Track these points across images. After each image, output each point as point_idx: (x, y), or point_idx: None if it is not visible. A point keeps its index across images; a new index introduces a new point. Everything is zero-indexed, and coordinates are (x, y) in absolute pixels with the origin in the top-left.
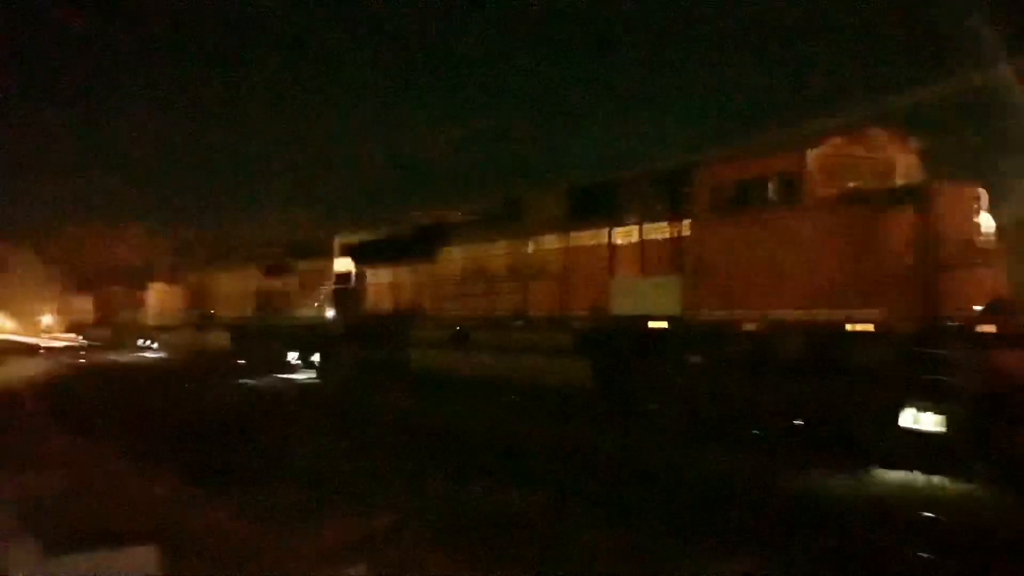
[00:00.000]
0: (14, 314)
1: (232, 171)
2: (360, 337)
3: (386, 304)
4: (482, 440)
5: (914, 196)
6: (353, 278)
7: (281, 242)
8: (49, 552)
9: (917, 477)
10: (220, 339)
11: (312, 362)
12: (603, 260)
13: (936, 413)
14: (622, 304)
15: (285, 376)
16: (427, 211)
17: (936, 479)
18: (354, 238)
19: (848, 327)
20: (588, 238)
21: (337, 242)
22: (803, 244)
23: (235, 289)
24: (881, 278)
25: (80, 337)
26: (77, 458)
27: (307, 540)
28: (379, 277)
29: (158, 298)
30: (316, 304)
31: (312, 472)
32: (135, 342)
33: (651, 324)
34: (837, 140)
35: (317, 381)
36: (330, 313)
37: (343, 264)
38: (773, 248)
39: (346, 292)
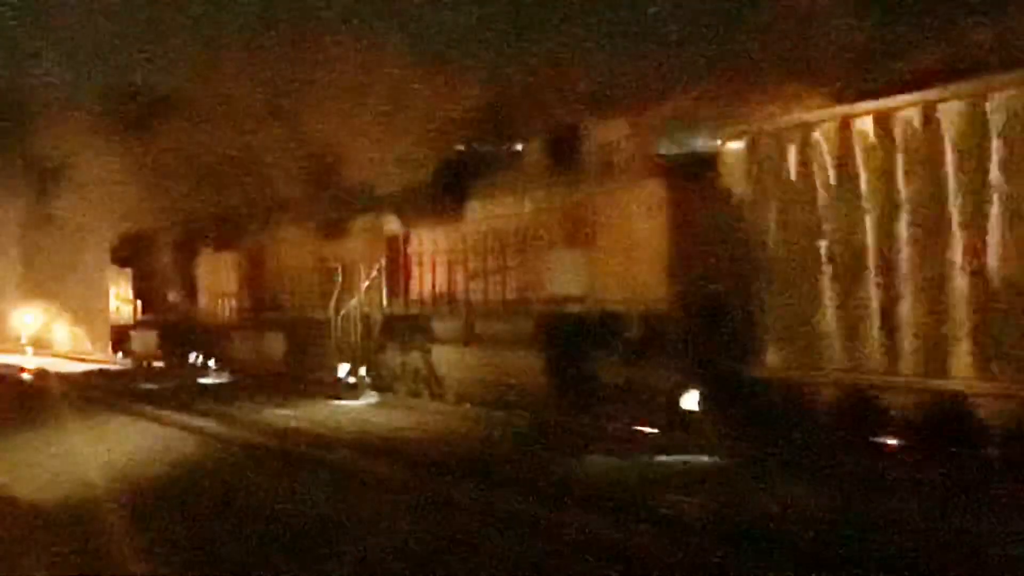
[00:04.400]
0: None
1: None
2: (398, 333)
3: (429, 282)
4: None
5: None
6: (400, 242)
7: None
8: None
9: None
10: (276, 345)
11: (362, 376)
12: None
13: None
14: None
15: (340, 402)
16: (467, 139)
17: None
18: (400, 181)
19: None
20: None
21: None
22: None
23: (294, 262)
24: None
25: (119, 354)
26: None
27: None
28: (423, 242)
29: (209, 278)
30: (368, 283)
31: None
32: (187, 359)
33: None
34: None
35: (378, 407)
36: (382, 297)
37: (392, 223)
38: None
39: (395, 264)
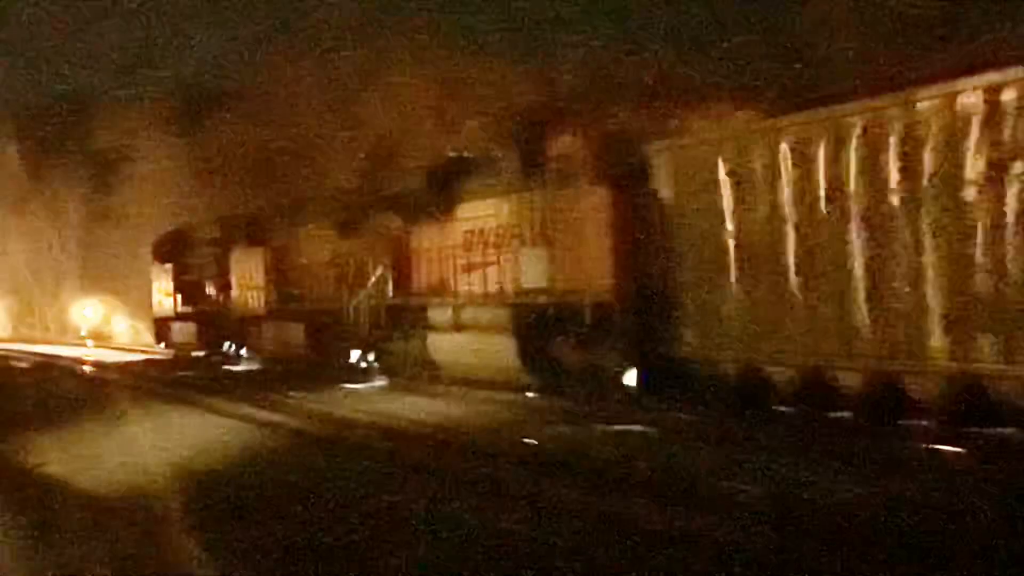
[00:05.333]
0: (130, 295)
1: None
2: (401, 322)
3: (427, 276)
4: None
5: None
6: (403, 240)
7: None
8: None
9: None
10: (295, 334)
11: (372, 362)
12: None
13: None
14: None
15: (353, 386)
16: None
17: None
18: (403, 181)
19: None
20: None
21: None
22: None
23: (313, 257)
24: None
25: (162, 344)
26: None
27: None
28: (422, 239)
29: (241, 272)
30: (376, 277)
31: None
32: (222, 348)
33: None
34: None
35: (386, 391)
36: (388, 289)
37: (396, 222)
38: None
39: (398, 260)
